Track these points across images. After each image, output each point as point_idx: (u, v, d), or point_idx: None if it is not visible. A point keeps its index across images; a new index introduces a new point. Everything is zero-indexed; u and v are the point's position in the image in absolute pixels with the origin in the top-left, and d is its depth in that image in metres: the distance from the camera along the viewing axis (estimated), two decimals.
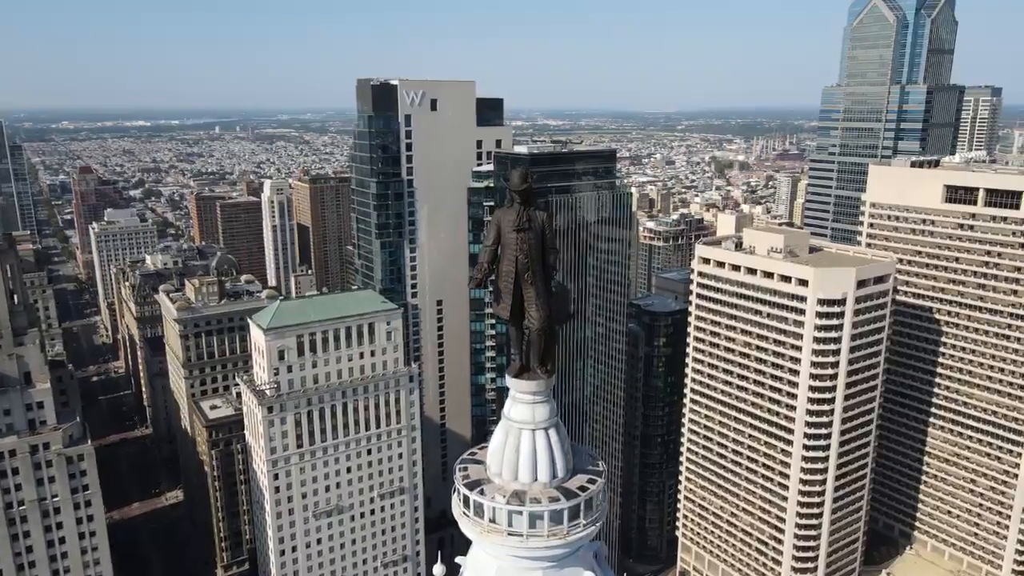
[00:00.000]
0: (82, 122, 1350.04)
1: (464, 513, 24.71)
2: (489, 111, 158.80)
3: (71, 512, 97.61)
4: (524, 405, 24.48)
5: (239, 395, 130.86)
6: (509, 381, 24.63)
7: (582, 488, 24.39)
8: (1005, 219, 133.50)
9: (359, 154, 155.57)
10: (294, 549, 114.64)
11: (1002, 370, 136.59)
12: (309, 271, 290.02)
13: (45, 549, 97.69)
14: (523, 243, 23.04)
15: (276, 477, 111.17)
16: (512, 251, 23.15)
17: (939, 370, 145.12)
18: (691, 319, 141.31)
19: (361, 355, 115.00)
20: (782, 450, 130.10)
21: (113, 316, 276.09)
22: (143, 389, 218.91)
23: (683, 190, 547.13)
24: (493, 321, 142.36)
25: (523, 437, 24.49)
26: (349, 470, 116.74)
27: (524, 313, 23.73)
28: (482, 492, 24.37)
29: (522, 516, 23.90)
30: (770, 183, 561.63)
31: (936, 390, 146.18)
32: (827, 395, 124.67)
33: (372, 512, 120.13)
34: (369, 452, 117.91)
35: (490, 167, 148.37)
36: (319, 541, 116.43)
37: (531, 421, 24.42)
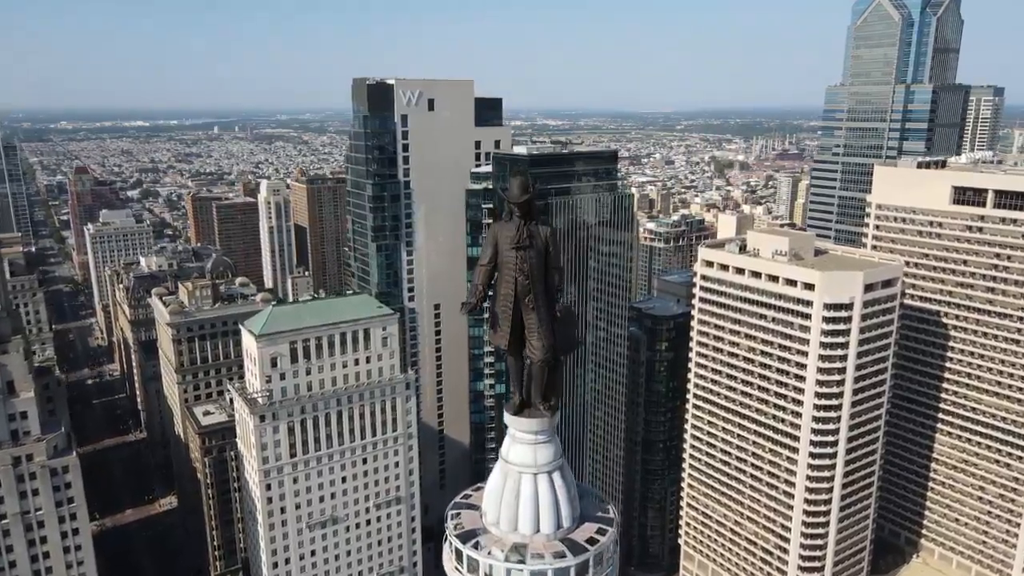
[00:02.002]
0: (80, 122, 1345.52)
1: (456, 568, 21.82)
2: (488, 111, 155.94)
3: (55, 525, 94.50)
4: (525, 446, 21.56)
5: (232, 401, 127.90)
6: (508, 419, 21.71)
7: (591, 540, 21.50)
8: (1015, 221, 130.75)
9: (355, 155, 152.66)
10: (287, 561, 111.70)
11: (1011, 375, 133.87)
12: (306, 273, 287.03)
13: (28, 564, 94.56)
14: (523, 262, 20.09)
15: (269, 487, 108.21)
16: (511, 271, 20.21)
17: (947, 375, 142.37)
18: (694, 323, 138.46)
19: (356, 362, 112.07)
20: (787, 457, 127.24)
21: (108, 318, 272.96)
22: (137, 393, 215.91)
23: (683, 190, 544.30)
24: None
25: (523, 482, 21.58)
26: (344, 480, 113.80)
27: (525, 342, 20.84)
28: (477, 545, 21.47)
29: (523, 574, 21.03)
30: (770, 183, 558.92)
31: (944, 395, 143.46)
32: (834, 401, 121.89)
33: (368, 523, 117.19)
34: (365, 461, 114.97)
35: (489, 168, 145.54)
36: (313, 553, 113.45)
37: (532, 464, 21.51)
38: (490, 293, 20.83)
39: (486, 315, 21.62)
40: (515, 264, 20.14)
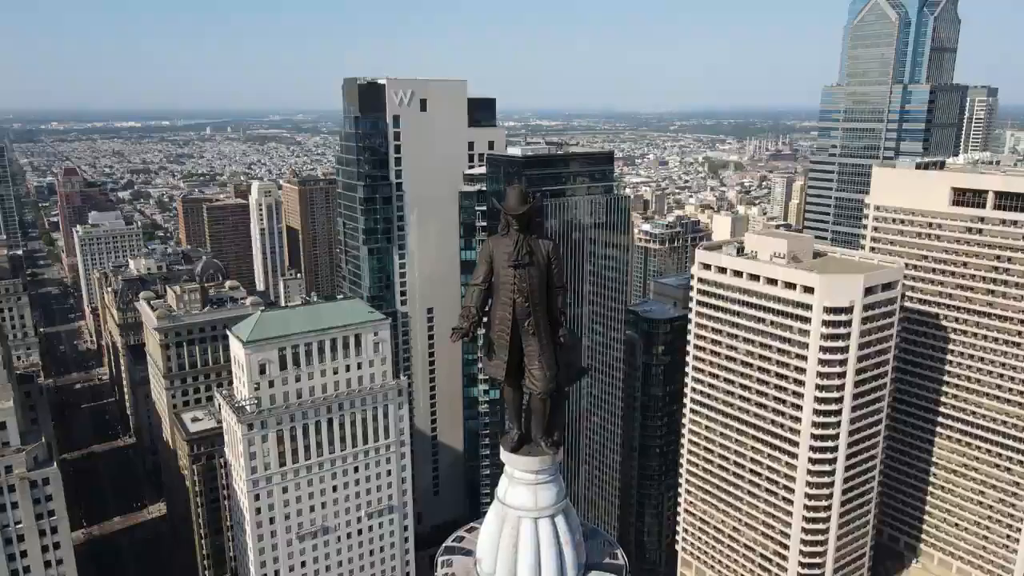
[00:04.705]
0: (71, 123, 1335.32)
1: None
2: (481, 111, 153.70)
3: (36, 539, 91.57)
4: (524, 487, 19.15)
5: (221, 408, 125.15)
6: (504, 457, 19.33)
7: None
8: (1015, 223, 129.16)
9: (346, 156, 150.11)
10: (277, 573, 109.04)
11: (1012, 379, 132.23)
12: (298, 275, 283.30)
13: None
14: (522, 281, 17.66)
15: (257, 497, 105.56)
16: (508, 292, 17.79)
17: (946, 378, 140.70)
18: (691, 326, 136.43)
19: (347, 368, 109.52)
20: (786, 463, 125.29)
21: (97, 321, 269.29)
22: (126, 397, 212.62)
23: (677, 191, 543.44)
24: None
25: (523, 528, 19.19)
26: (335, 489, 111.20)
27: (523, 371, 18.45)
28: None
29: None
30: (764, 184, 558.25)
31: (943, 399, 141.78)
32: (834, 406, 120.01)
33: (359, 532, 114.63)
34: (356, 470, 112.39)
35: (482, 170, 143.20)
36: (303, 564, 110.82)
37: (533, 507, 19.12)
38: (485, 319, 18.41)
39: (480, 342, 19.16)
40: (513, 284, 17.73)
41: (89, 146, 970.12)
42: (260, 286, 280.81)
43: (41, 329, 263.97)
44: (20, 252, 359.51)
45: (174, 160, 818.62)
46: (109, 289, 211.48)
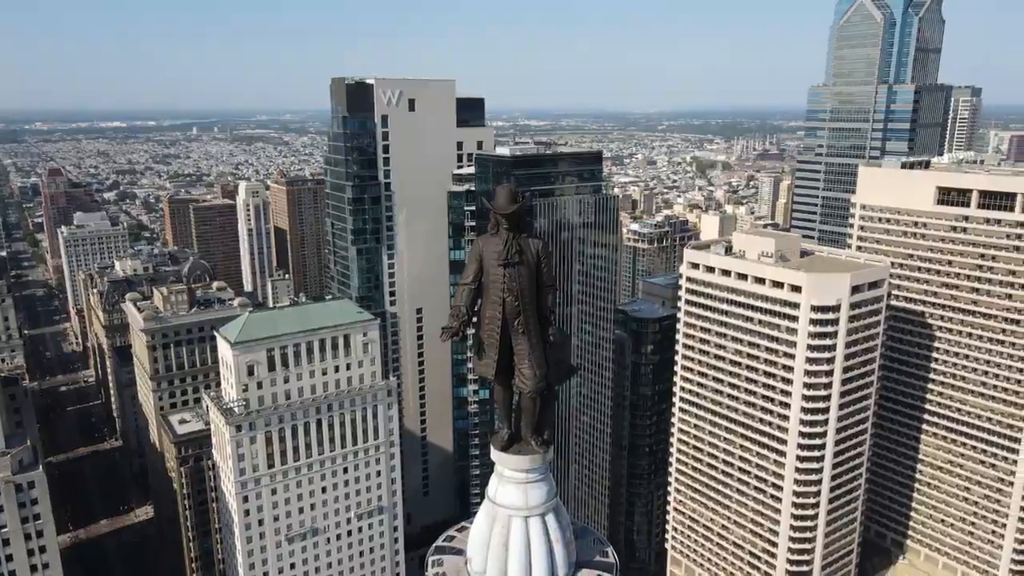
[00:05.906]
0: (56, 123, 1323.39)
1: None
2: (469, 111, 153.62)
3: (22, 543, 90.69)
4: (515, 486, 19.15)
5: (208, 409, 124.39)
6: (495, 456, 19.32)
7: None
8: (999, 221, 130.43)
9: (334, 156, 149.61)
10: (266, 575, 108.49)
11: (996, 375, 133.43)
12: (286, 276, 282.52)
13: None
14: (512, 281, 17.67)
15: (246, 499, 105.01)
16: (498, 291, 17.79)
17: (932, 376, 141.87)
18: (680, 325, 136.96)
19: (336, 369, 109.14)
20: (775, 460, 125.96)
21: (83, 323, 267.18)
22: (112, 400, 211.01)
23: (665, 191, 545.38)
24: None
25: (513, 526, 19.19)
26: (324, 490, 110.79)
27: (513, 370, 18.45)
28: None
29: None
30: (751, 183, 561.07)
31: (929, 396, 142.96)
32: (821, 404, 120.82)
33: (349, 534, 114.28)
34: (345, 471, 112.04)
35: (471, 170, 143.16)
36: (292, 566, 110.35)
37: (523, 506, 19.12)
38: (474, 319, 18.40)
39: (470, 341, 19.16)
40: (503, 283, 17.73)
41: (74, 146, 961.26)
42: (248, 287, 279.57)
43: (26, 331, 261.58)
44: (4, 253, 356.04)
45: (160, 160, 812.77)
46: (95, 290, 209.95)
